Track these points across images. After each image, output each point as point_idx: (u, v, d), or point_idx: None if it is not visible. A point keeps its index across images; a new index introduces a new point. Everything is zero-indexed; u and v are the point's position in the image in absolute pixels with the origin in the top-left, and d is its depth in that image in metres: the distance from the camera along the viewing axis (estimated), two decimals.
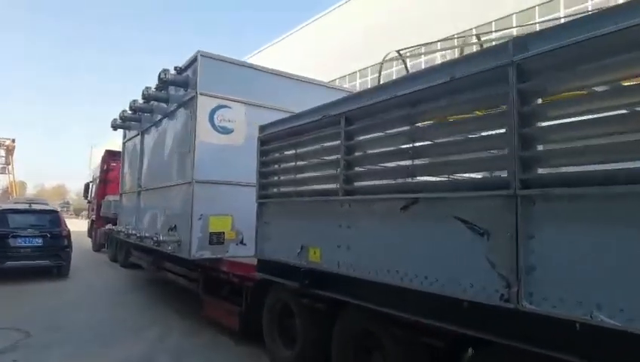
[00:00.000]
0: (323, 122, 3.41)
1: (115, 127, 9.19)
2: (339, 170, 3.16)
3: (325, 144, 3.44)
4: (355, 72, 25.15)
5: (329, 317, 3.90)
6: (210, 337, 5.65)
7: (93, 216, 16.25)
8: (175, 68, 6.00)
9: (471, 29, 17.49)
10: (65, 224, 9.98)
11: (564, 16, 15.14)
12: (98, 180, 15.76)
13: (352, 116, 3.17)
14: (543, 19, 15.51)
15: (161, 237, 5.85)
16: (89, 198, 17.20)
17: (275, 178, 4.24)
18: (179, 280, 7.25)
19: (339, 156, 3.18)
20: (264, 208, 4.17)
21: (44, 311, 6.83)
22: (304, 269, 3.44)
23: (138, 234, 7.45)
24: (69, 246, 9.74)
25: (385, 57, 6.47)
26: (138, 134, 8.50)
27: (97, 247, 15.71)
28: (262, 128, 4.30)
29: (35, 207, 10.14)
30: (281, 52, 30.47)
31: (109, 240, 13.55)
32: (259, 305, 5.27)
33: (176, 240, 5.88)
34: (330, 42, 26.42)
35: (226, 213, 5.73)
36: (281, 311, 4.59)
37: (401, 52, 5.97)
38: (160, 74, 5.98)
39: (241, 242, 5.85)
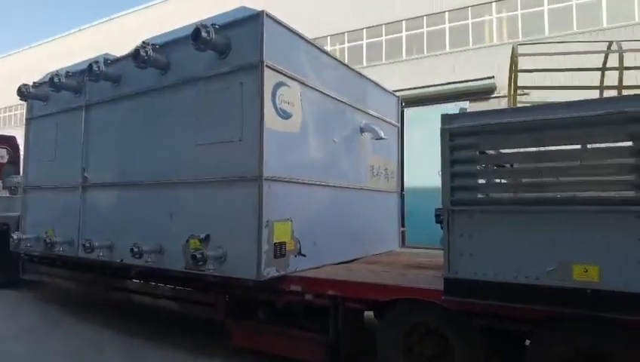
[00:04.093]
0: (591, 120, 2.90)
1: (26, 96, 6.56)
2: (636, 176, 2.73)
3: (594, 145, 2.94)
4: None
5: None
6: None
7: None
8: (213, 25, 4.47)
9: None
10: None
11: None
12: None
13: None
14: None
15: (206, 252, 4.32)
16: None
17: (481, 180, 3.49)
18: (161, 303, 5.61)
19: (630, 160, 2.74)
20: (460, 217, 3.39)
21: None
22: (563, 288, 2.93)
23: (89, 244, 5.47)
24: None
25: None
26: (74, 109, 6.22)
27: None
28: (449, 118, 3.46)
29: None
30: None
31: None
32: (356, 332, 4.46)
33: (220, 255, 4.45)
34: None
35: (286, 218, 4.59)
36: (419, 338, 3.91)
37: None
38: (196, 32, 4.35)
39: (300, 253, 4.79)
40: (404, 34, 18.15)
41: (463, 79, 15.98)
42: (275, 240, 4.40)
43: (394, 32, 18.38)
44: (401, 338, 4.00)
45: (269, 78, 4.39)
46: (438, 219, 4.87)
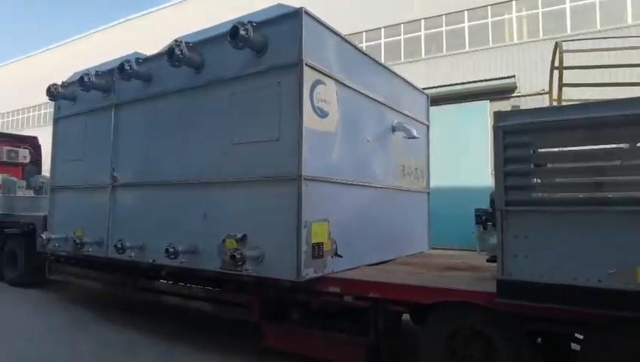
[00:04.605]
0: None
1: (55, 95, 6.56)
2: None
3: None
4: None
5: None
6: None
7: None
8: (250, 23, 4.39)
9: None
10: None
11: None
12: None
13: None
14: None
15: (245, 252, 4.24)
16: None
17: (537, 180, 3.37)
18: (193, 304, 5.55)
19: None
20: (515, 218, 3.27)
21: None
22: (628, 292, 2.81)
23: (121, 245, 5.44)
24: None
25: None
26: (103, 108, 6.19)
27: None
28: (502, 116, 3.34)
29: None
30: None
31: None
32: (396, 334, 4.37)
33: (258, 255, 4.37)
34: None
35: (323, 218, 4.50)
36: (463, 341, 3.81)
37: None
38: (234, 30, 4.27)
39: (336, 253, 4.70)
40: (422, 33, 17.98)
41: (483, 78, 15.77)
42: (313, 241, 4.32)
43: (412, 31, 18.24)
44: (444, 341, 3.90)
45: (308, 77, 4.31)
46: (479, 219, 4.77)
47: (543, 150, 3.55)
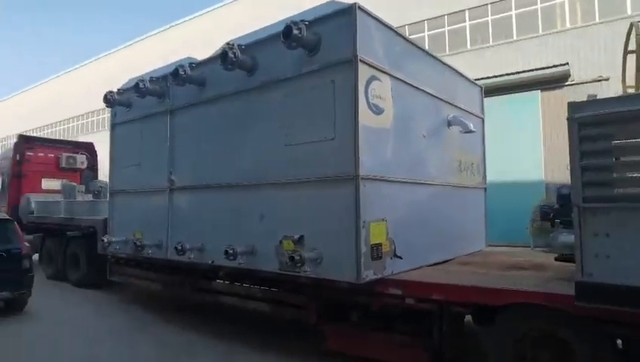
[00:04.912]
0: None
1: (112, 102, 6.81)
2: None
3: None
4: None
5: None
6: None
7: None
8: (303, 21, 4.34)
9: None
10: (23, 238, 7.18)
11: None
12: (8, 175, 12.10)
13: None
14: None
15: (303, 254, 4.21)
16: None
17: (617, 174, 3.15)
18: (250, 305, 5.58)
19: None
20: (595, 215, 3.05)
21: None
22: None
23: (181, 247, 5.55)
24: (32, 268, 7.02)
25: None
26: (158, 113, 6.35)
27: None
28: (577, 107, 3.13)
29: None
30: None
31: (44, 251, 10.47)
32: (460, 337, 4.22)
33: (316, 257, 4.33)
34: None
35: (380, 218, 4.39)
36: (533, 343, 3.62)
37: None
38: (288, 30, 4.25)
39: (395, 254, 4.57)
40: (467, 23, 17.39)
41: (533, 67, 15.06)
42: (372, 242, 4.22)
43: (456, 22, 17.69)
44: (513, 344, 3.72)
45: (363, 73, 4.21)
46: (545, 216, 4.52)
47: (623, 142, 3.28)
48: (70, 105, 35.29)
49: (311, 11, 4.70)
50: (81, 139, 24.10)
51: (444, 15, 18.13)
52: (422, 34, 18.46)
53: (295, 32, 4.23)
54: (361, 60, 4.17)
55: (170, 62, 6.57)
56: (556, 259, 4.40)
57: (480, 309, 3.94)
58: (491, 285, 3.84)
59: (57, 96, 37.49)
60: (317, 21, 4.44)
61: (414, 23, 18.41)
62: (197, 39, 24.12)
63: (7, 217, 7.65)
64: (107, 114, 31.92)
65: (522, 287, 3.66)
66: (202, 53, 6.44)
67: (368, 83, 4.30)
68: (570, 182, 3.26)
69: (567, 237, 3.85)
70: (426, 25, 18.55)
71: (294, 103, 4.69)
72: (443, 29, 18.22)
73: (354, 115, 4.12)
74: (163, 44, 27.71)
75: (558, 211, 4.19)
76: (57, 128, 37.54)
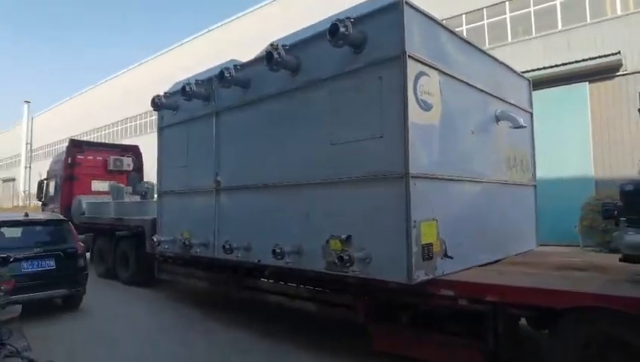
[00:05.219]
0: None
1: (159, 106, 7.00)
2: None
3: None
4: None
5: None
6: None
7: None
8: (348, 19, 4.30)
9: None
10: (78, 238, 7.51)
11: None
12: (61, 177, 12.71)
13: None
14: None
15: (352, 253, 4.18)
16: (44, 199, 13.87)
17: None
18: (297, 304, 5.61)
19: None
20: None
21: None
22: None
23: (229, 246, 5.64)
24: (86, 267, 7.33)
25: None
26: (204, 116, 6.47)
27: None
28: None
29: (36, 216, 7.46)
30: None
31: (95, 250, 10.91)
32: (515, 339, 4.09)
33: (365, 257, 4.28)
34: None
35: (431, 218, 4.29)
36: (600, 349, 3.43)
37: None
38: (334, 28, 4.22)
39: (446, 254, 4.46)
40: (507, 16, 16.83)
41: (580, 58, 14.39)
42: (423, 242, 4.13)
43: (496, 14, 17.16)
44: (577, 349, 3.54)
45: (412, 69, 4.13)
46: (609, 213, 4.28)
47: None
48: (111, 111, 36.72)
49: (354, 9, 4.66)
50: (125, 142, 24.98)
51: (482, 8, 17.64)
52: (460, 28, 18.02)
53: (342, 29, 4.20)
54: (409, 56, 4.09)
55: (215, 63, 6.70)
56: (621, 260, 4.14)
57: (540, 312, 3.79)
58: (553, 286, 3.68)
59: (100, 101, 39.09)
60: (363, 18, 4.38)
61: (452, 17, 18.00)
62: (245, 39, 24.41)
63: (64, 218, 8.01)
64: (143, 119, 32.81)
65: (592, 290, 3.48)
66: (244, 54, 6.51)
67: (417, 79, 4.21)
68: (636, 176, 3.07)
69: (636, 237, 3.62)
70: (464, 18, 18.10)
71: (339, 101, 4.66)
72: (482, 22, 17.73)
73: (403, 111, 4.05)
74: (209, 46, 28.22)
75: (623, 209, 3.94)
76: (103, 132, 39.14)
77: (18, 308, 4.50)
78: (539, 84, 13.31)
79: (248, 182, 5.75)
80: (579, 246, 11.88)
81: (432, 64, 4.43)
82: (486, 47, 16.77)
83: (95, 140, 31.79)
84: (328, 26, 4.32)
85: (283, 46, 4.99)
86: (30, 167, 49.55)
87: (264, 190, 5.51)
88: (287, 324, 6.31)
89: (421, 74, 4.28)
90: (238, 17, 27.54)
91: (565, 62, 14.58)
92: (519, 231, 6.08)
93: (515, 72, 6.36)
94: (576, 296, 3.46)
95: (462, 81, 4.89)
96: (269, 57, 4.89)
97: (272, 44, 5.12)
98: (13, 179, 52.51)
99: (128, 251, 9.58)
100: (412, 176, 4.01)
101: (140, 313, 7.45)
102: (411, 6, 4.21)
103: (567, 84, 14.49)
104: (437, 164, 4.43)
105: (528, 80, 6.79)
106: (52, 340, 5.69)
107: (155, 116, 33.56)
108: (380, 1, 4.41)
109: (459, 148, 4.85)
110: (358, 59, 4.48)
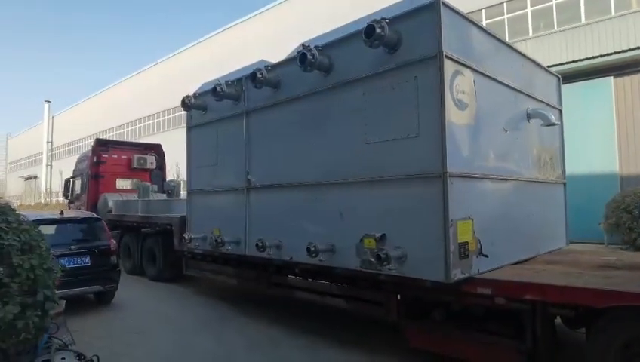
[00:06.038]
0: None
1: (189, 106, 7.12)
2: None
3: None
4: None
5: None
6: None
7: None
8: (384, 19, 4.33)
9: None
10: (111, 236, 7.70)
11: None
12: (87, 175, 12.99)
13: None
14: None
15: (389, 252, 4.23)
16: (70, 197, 14.21)
17: None
18: (328, 301, 5.68)
19: None
20: None
21: None
22: None
23: (262, 244, 5.72)
24: (119, 264, 7.51)
25: None
26: (235, 116, 6.57)
27: None
28: None
29: (71, 214, 7.67)
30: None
31: (122, 247, 11.14)
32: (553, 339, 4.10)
33: (400, 255, 4.33)
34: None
35: (467, 217, 4.31)
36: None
37: None
38: (370, 28, 4.26)
39: (481, 253, 4.48)
40: (529, 10, 16.64)
41: (605, 52, 14.16)
42: (459, 241, 4.16)
43: (517, 9, 16.96)
44: (617, 349, 3.54)
45: (448, 69, 4.15)
46: None
47: None
48: (128, 110, 37.24)
49: (387, 9, 4.69)
50: (144, 140, 25.34)
51: (503, 2, 17.45)
52: (480, 23, 17.87)
53: (378, 30, 4.24)
54: (446, 56, 4.11)
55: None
56: None
57: (577, 311, 3.80)
58: (594, 285, 3.67)
59: (123, 99, 39.66)
60: (398, 18, 4.41)
61: (472, 12, 17.83)
62: (264, 37, 24.51)
63: (98, 216, 8.21)
64: (166, 116, 33.17)
65: (632, 289, 3.47)
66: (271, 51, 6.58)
67: (452, 78, 4.23)
68: None
69: None
70: (483, 13, 17.93)
71: (374, 101, 4.70)
72: (502, 17, 17.54)
73: (440, 111, 4.07)
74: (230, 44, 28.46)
75: None
76: (126, 130, 39.73)
77: (62, 303, 4.67)
78: (563, 78, 13.18)
79: (280, 181, 5.83)
80: (603, 243, 11.74)
81: (467, 63, 4.44)
82: (506, 40, 16.63)
83: (114, 138, 32.34)
84: (357, 27, 4.39)
85: (316, 47, 5.05)
86: (51, 165, 50.65)
87: (296, 189, 5.59)
88: (317, 321, 6.40)
89: (457, 73, 4.30)
90: (257, 14, 27.66)
91: (589, 56, 14.37)
92: (550, 229, 6.05)
93: (544, 68, 6.32)
94: (625, 295, 3.44)
95: (494, 79, 4.89)
96: (303, 58, 4.95)
97: (303, 45, 5.18)
98: (36, 177, 53.71)
99: (155, 248, 9.76)
100: (450, 176, 4.04)
101: (172, 308, 7.61)
102: (447, 6, 4.23)
103: (591, 78, 14.26)
104: (472, 162, 4.45)
105: (558, 76, 6.73)
106: (89, 334, 5.86)
107: (168, 116, 33.90)
108: (412, 1, 4.44)
109: (492, 146, 4.85)
110: (392, 58, 4.52)
